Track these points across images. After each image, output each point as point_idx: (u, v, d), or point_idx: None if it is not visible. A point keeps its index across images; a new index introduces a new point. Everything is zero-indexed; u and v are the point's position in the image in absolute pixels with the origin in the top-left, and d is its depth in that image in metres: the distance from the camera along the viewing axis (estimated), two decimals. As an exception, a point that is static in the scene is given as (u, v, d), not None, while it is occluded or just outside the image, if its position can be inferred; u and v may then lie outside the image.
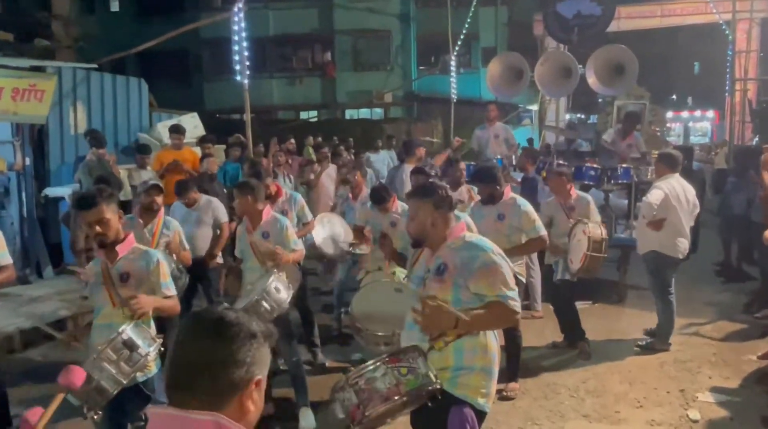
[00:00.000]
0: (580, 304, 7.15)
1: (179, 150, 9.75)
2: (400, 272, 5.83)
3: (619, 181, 9.02)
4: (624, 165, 9.01)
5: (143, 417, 3.69)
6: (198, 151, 10.23)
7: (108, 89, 11.89)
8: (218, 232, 7.07)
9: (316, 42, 28.45)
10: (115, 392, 3.42)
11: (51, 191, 9.92)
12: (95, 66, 11.72)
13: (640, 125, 13.59)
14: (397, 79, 27.43)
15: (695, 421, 5.28)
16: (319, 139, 15.97)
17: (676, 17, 20.92)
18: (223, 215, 7.15)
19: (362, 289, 5.46)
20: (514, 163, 9.77)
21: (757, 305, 8.03)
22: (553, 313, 7.15)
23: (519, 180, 9.14)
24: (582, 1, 12.18)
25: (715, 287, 9.37)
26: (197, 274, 6.48)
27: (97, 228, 3.72)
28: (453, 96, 15.72)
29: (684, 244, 6.75)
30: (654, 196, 6.57)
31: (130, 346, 3.47)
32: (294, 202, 6.94)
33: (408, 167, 8.13)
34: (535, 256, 7.75)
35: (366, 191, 7.72)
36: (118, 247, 3.82)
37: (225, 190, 8.79)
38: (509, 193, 5.93)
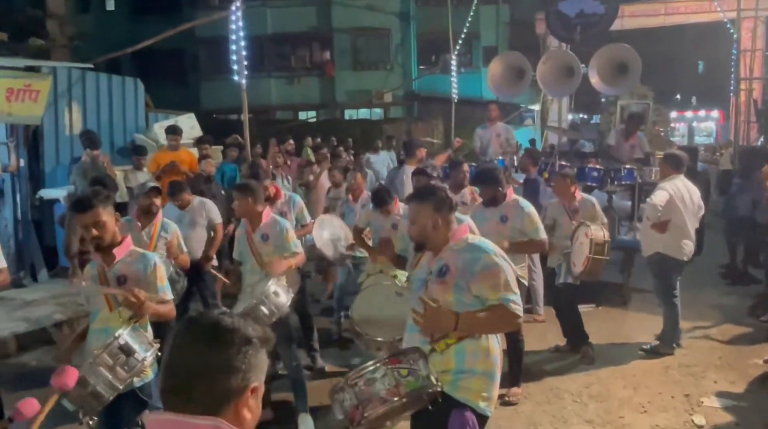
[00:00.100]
0: (583, 308, 7.15)
1: (176, 151, 9.75)
2: (402, 275, 5.84)
3: (623, 183, 9.03)
4: (627, 166, 9.01)
5: (139, 423, 3.70)
6: (195, 152, 10.22)
7: (104, 89, 11.88)
8: (212, 233, 7.09)
9: (314, 41, 28.47)
10: (111, 398, 3.41)
11: (46, 193, 9.91)
12: (91, 66, 11.71)
13: (644, 125, 13.61)
14: (397, 78, 27.44)
15: (700, 427, 5.28)
16: (318, 139, 15.98)
17: (680, 16, 20.88)
18: (217, 216, 7.17)
19: (362, 293, 5.48)
20: (515, 164, 9.78)
21: (762, 308, 8.03)
22: (555, 317, 7.15)
23: (521, 181, 9.14)
24: (585, -1, 12.21)
25: (720, 290, 9.37)
26: (192, 277, 6.48)
27: (94, 231, 3.70)
28: (454, 96, 15.70)
29: (689, 246, 6.75)
30: (659, 197, 6.57)
31: (126, 350, 3.46)
32: (293, 204, 6.95)
33: (408, 168, 8.13)
34: (537, 258, 7.76)
35: (366, 193, 7.73)
36: (115, 250, 3.81)
37: (223, 192, 8.79)
38: (512, 194, 5.93)
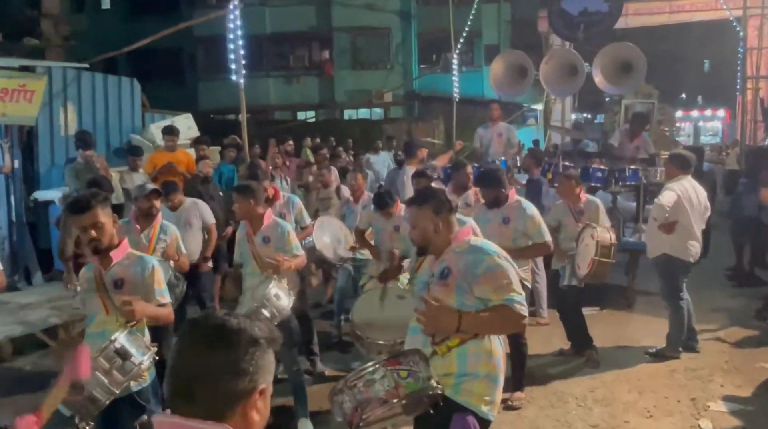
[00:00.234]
0: (587, 310, 7.16)
1: (173, 152, 9.74)
2: (404, 277, 5.85)
3: (627, 183, 9.02)
4: (632, 166, 9.01)
5: (137, 428, 3.70)
6: (192, 152, 10.22)
7: (99, 89, 11.88)
8: (205, 235, 7.11)
9: (313, 40, 28.48)
10: (108, 402, 3.42)
11: (41, 195, 9.90)
12: (86, 65, 11.72)
13: (649, 125, 13.60)
14: (397, 78, 27.45)
15: (707, 431, 5.29)
16: (317, 140, 15.99)
17: (686, 14, 20.89)
18: (210, 217, 7.20)
19: (363, 296, 5.49)
20: (518, 164, 9.78)
21: (770, 311, 8.03)
22: (559, 320, 7.15)
23: (523, 182, 9.15)
24: (588, -3, 12.22)
25: (726, 292, 9.36)
26: (189, 279, 6.48)
27: (92, 232, 3.70)
28: (455, 95, 15.70)
29: (696, 248, 6.75)
30: (666, 197, 6.58)
31: (123, 354, 3.47)
32: (292, 206, 6.96)
33: (409, 169, 8.13)
34: (540, 261, 7.76)
35: (367, 194, 7.75)
36: (112, 253, 3.81)
37: (221, 193, 8.79)
38: (514, 196, 5.94)
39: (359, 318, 5.10)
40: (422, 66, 28.24)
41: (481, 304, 3.24)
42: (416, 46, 28.20)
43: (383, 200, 6.36)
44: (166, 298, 3.96)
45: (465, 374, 3.24)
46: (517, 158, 9.86)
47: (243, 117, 11.06)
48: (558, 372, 6.61)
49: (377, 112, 29.09)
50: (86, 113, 11.41)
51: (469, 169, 7.48)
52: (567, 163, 9.18)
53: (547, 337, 7.47)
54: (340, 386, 3.01)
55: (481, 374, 3.26)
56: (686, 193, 6.67)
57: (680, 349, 6.87)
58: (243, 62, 10.77)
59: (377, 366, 2.99)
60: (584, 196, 7.07)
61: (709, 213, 7.02)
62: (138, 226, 5.68)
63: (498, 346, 3.35)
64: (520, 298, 3.23)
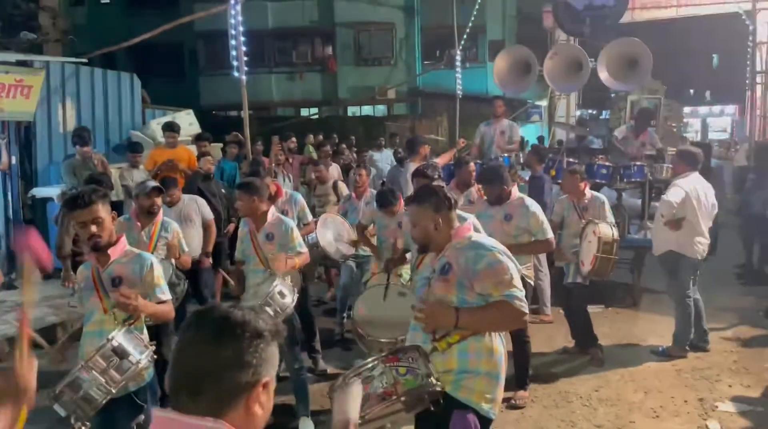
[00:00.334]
0: (592, 308, 7.14)
1: (173, 148, 9.74)
2: (406, 274, 5.87)
3: (633, 180, 9.00)
4: (638, 163, 8.98)
5: (135, 428, 3.69)
6: (193, 149, 10.22)
7: (98, 85, 11.90)
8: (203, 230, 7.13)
9: (316, 35, 28.44)
10: (104, 402, 3.40)
11: (38, 192, 9.92)
12: (85, 60, 11.72)
13: (655, 121, 13.57)
14: (400, 74, 27.42)
15: (714, 432, 5.27)
16: (320, 137, 15.98)
17: (693, 7, 20.79)
18: (209, 213, 7.25)
19: (366, 293, 5.49)
20: (521, 161, 9.76)
21: (779, 310, 8.01)
22: (563, 318, 7.15)
23: (526, 179, 9.14)
24: (593, -9, 12.16)
25: (735, 291, 9.34)
26: (190, 276, 6.47)
27: (93, 228, 3.69)
28: (458, 92, 15.68)
29: (703, 245, 6.74)
30: (674, 194, 6.56)
31: (120, 353, 3.46)
32: (294, 203, 6.97)
33: (412, 166, 8.12)
34: (543, 258, 7.75)
35: (370, 190, 7.75)
36: (110, 251, 3.81)
37: (223, 190, 8.79)
38: (516, 193, 5.93)
39: (361, 315, 5.10)
40: (426, 62, 28.19)
41: (482, 300, 3.24)
42: (420, 42, 28.16)
43: (387, 199, 6.37)
44: (166, 295, 3.96)
45: (465, 371, 3.24)
46: (520, 155, 9.84)
47: (245, 113, 11.04)
48: (562, 371, 6.60)
49: (380, 109, 29.09)
50: (85, 109, 11.43)
51: (472, 166, 7.47)
52: (571, 160, 9.17)
53: (550, 335, 7.47)
54: (339, 383, 3.01)
55: (481, 371, 3.25)
56: (694, 190, 6.66)
57: (687, 348, 6.86)
58: (245, 58, 10.75)
59: (376, 362, 2.99)
60: (588, 192, 7.06)
61: (716, 210, 7.00)
62: (139, 224, 5.65)
63: (499, 343, 3.35)
64: (519, 293, 3.24)
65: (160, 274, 3.95)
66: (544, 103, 25.76)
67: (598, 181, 8.82)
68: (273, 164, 9.78)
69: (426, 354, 3.13)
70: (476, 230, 3.92)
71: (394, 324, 4.68)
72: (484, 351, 3.28)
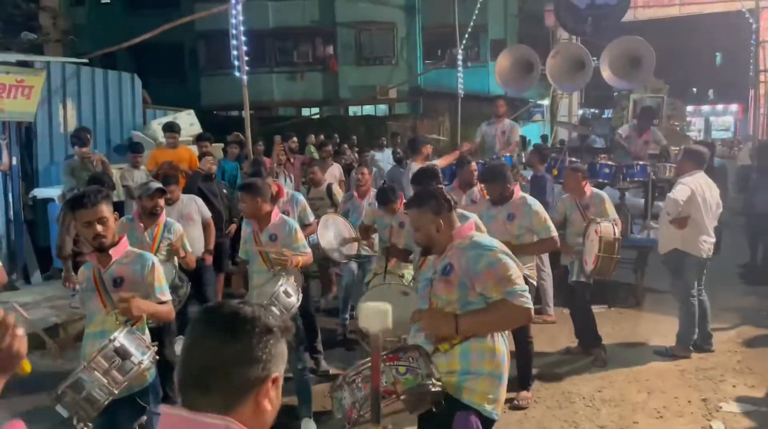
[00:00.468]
0: (594, 308, 7.13)
1: (174, 148, 9.74)
2: (409, 274, 5.86)
3: (635, 179, 8.99)
4: (641, 162, 8.98)
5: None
6: (195, 149, 10.23)
7: (99, 85, 11.90)
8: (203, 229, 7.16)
9: (317, 35, 28.42)
10: (106, 403, 3.40)
11: (39, 192, 9.93)
12: (86, 61, 11.72)
13: (658, 120, 13.57)
14: (402, 73, 27.40)
15: (718, 433, 5.27)
16: (321, 137, 15.99)
17: (696, 5, 20.82)
18: (207, 211, 7.29)
19: (368, 293, 5.49)
20: (524, 160, 9.76)
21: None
22: (566, 318, 7.14)
23: (528, 178, 9.14)
24: (596, -11, 12.17)
25: (739, 290, 9.34)
26: (192, 276, 6.47)
27: (98, 228, 3.71)
28: (460, 91, 15.69)
29: (708, 243, 6.74)
30: (680, 192, 6.56)
31: (122, 353, 3.46)
32: (296, 203, 6.97)
33: (415, 166, 8.11)
34: (546, 258, 7.75)
35: (372, 190, 7.74)
36: (111, 251, 3.81)
37: (225, 190, 8.79)
38: (519, 192, 5.93)
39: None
40: (427, 61, 28.16)
41: (484, 300, 3.24)
42: (421, 41, 28.13)
43: (386, 196, 6.36)
44: (167, 296, 3.96)
45: (468, 372, 3.24)
46: (522, 154, 9.84)
47: (246, 113, 11.05)
48: (565, 371, 6.59)
49: (382, 109, 29.07)
50: (86, 109, 11.43)
51: (474, 165, 7.48)
52: (573, 159, 9.16)
53: (553, 336, 7.46)
54: (339, 382, 3.02)
55: (484, 372, 3.25)
56: (700, 189, 6.67)
57: (691, 348, 6.86)
58: (246, 58, 10.77)
59: None
60: (589, 190, 7.05)
61: (721, 210, 7.00)
62: (141, 225, 5.65)
63: (502, 344, 3.35)
64: (521, 289, 3.21)
65: (161, 274, 3.96)
66: (546, 102, 25.76)
67: (600, 180, 8.80)
68: (275, 164, 9.78)
69: (428, 354, 3.13)
70: (479, 229, 3.92)
71: (397, 323, 4.68)
72: (486, 351, 3.28)
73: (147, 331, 3.90)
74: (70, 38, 13.91)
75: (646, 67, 11.02)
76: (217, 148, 11.53)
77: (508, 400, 5.43)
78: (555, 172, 8.94)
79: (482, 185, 7.20)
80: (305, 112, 28.11)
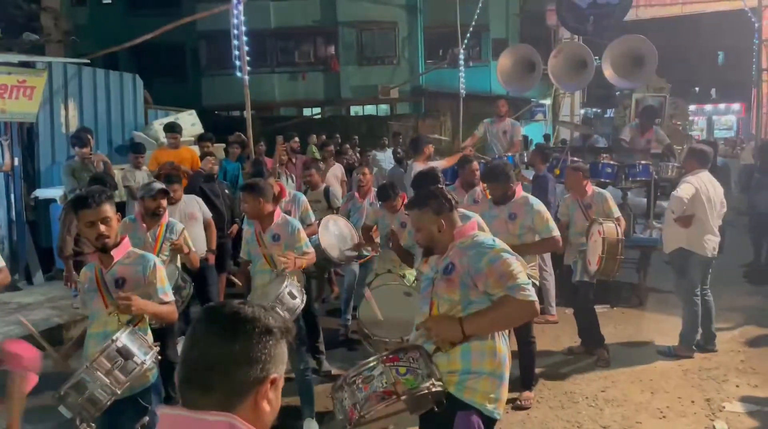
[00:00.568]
0: (597, 308, 7.13)
1: (176, 149, 9.75)
2: (410, 274, 5.86)
3: (638, 179, 8.98)
4: (643, 161, 8.97)
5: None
6: (196, 149, 10.23)
7: (101, 85, 11.92)
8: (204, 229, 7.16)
9: (318, 35, 28.44)
10: (109, 403, 3.41)
11: (41, 193, 9.94)
12: (87, 61, 11.74)
13: (660, 119, 13.54)
14: (403, 73, 27.39)
15: (722, 433, 5.26)
16: (323, 136, 15.99)
17: (698, 4, 20.78)
18: (207, 211, 7.27)
19: (371, 292, 5.48)
20: (525, 160, 9.76)
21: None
22: (569, 317, 7.14)
23: (530, 178, 9.13)
24: (597, -12, 12.15)
25: (742, 290, 9.32)
26: (195, 276, 6.47)
27: (101, 227, 3.71)
28: (462, 91, 15.68)
29: (713, 242, 6.74)
30: (684, 190, 6.56)
31: (124, 354, 3.46)
32: (298, 203, 6.98)
33: (417, 166, 8.10)
34: (548, 257, 7.74)
35: (373, 190, 7.74)
36: (113, 252, 3.81)
37: (226, 190, 8.79)
38: (520, 192, 5.93)
39: (366, 316, 5.11)
40: (429, 61, 28.14)
41: (487, 298, 3.23)
42: (423, 41, 28.12)
43: (386, 193, 6.38)
44: (169, 297, 3.96)
45: (469, 372, 3.23)
46: (524, 154, 9.83)
47: (248, 113, 11.07)
48: (568, 371, 6.59)
49: (383, 108, 29.05)
50: (87, 110, 11.45)
51: (475, 164, 7.47)
52: (575, 159, 9.15)
53: (556, 335, 7.46)
54: (340, 383, 3.02)
55: (485, 372, 3.25)
56: (704, 187, 6.67)
57: (694, 348, 6.85)
58: (247, 58, 10.77)
59: (376, 362, 3.00)
60: (591, 189, 7.05)
61: (725, 209, 7.00)
62: (144, 226, 5.65)
63: (503, 343, 3.35)
64: (522, 283, 3.18)
65: (163, 275, 3.96)
66: (548, 101, 25.73)
67: (603, 180, 8.79)
68: (276, 164, 9.78)
69: (428, 354, 3.13)
70: (481, 229, 3.92)
71: (399, 323, 4.69)
72: (487, 351, 3.27)
73: (149, 332, 3.90)
74: (71, 39, 13.94)
75: (649, 66, 11.00)
76: (218, 148, 11.53)
77: (511, 401, 5.43)
78: (557, 171, 8.92)
79: (485, 185, 7.21)
80: (307, 112, 28.10)
